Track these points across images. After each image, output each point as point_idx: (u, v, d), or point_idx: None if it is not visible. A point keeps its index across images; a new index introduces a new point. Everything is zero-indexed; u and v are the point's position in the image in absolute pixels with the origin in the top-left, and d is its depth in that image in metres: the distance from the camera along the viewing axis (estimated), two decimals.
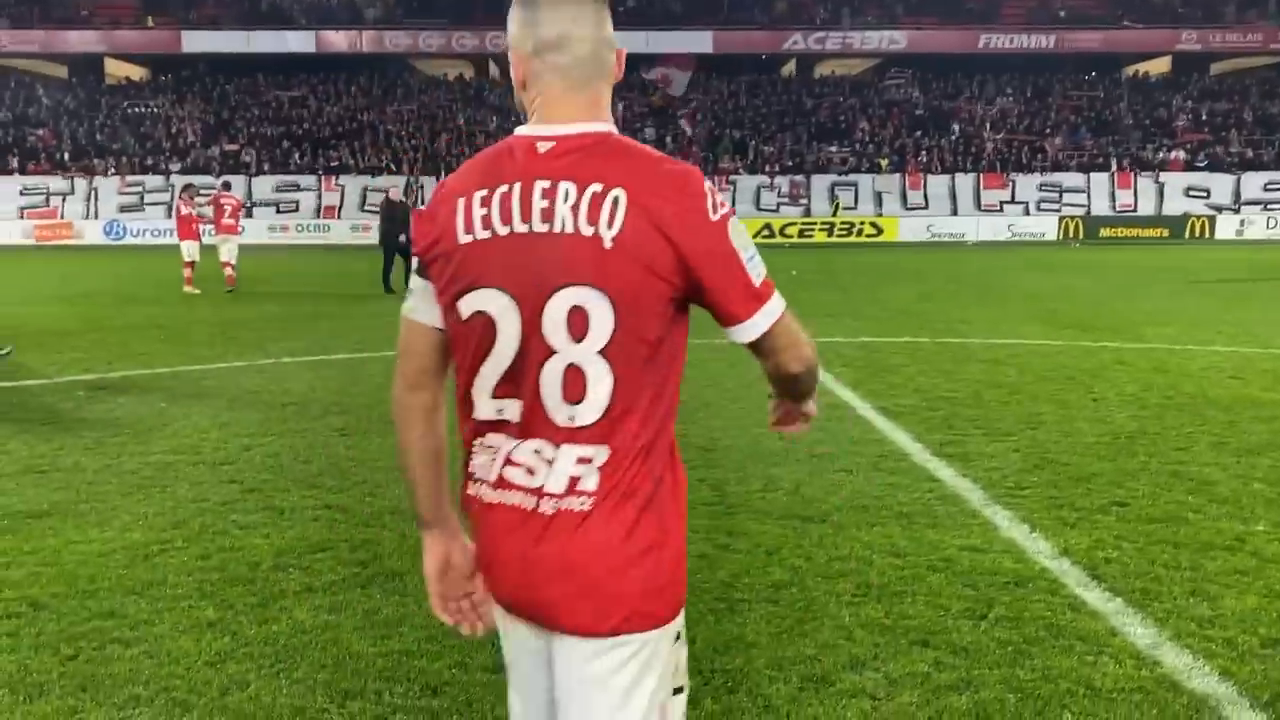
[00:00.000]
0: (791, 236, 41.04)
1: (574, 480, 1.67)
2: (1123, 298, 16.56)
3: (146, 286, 19.43)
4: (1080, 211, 42.91)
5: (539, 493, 1.69)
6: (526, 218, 1.66)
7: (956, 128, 46.78)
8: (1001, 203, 43.30)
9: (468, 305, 1.71)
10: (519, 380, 1.70)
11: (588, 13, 1.73)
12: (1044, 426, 6.98)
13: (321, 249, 36.50)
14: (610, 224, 1.62)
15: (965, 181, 43.46)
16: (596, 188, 1.63)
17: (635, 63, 47.99)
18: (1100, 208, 43.23)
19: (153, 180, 41.82)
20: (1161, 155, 44.67)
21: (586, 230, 1.63)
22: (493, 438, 1.76)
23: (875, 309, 15.07)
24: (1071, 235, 41.59)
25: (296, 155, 43.98)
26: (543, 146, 1.69)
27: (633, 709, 1.68)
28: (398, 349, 1.83)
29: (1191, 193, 43.09)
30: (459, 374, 1.78)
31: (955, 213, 43.02)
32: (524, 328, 1.68)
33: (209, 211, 19.06)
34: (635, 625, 1.67)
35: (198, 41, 47.01)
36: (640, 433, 1.68)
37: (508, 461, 1.73)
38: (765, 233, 41.08)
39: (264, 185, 42.30)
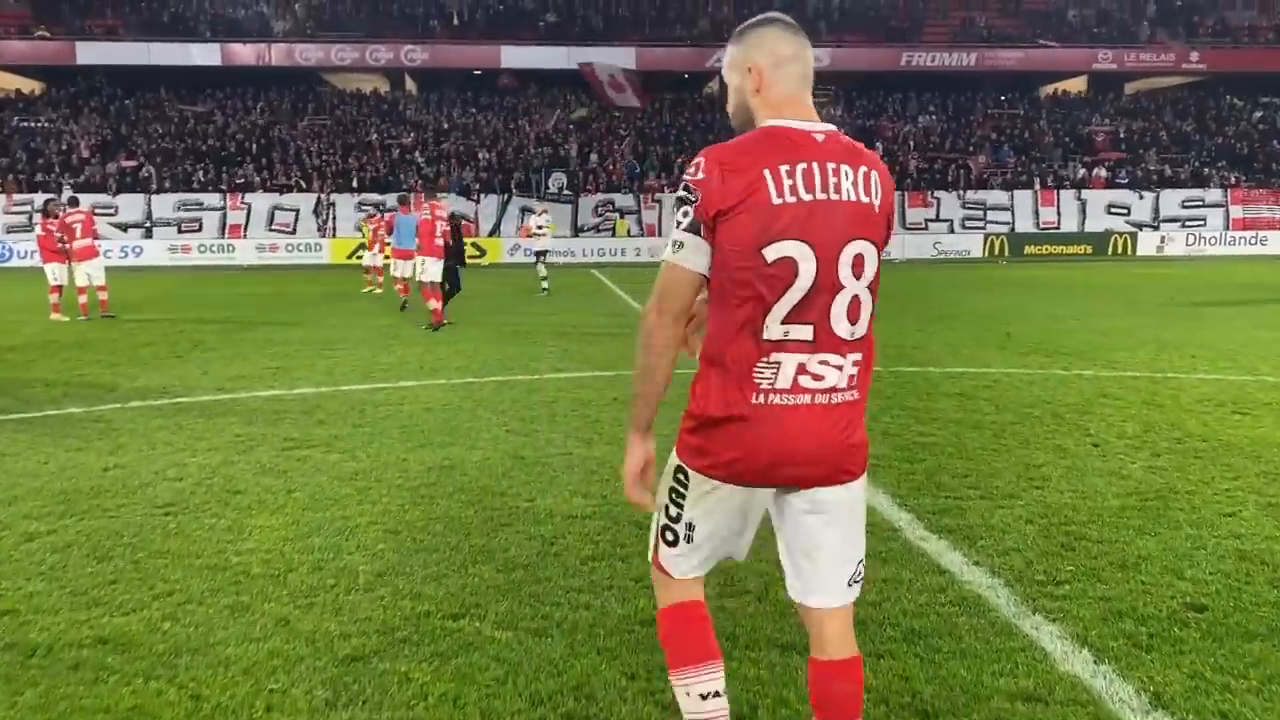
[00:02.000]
0: None
1: (851, 378, 2.36)
2: (1074, 316, 15.70)
3: (27, 313, 17.45)
4: (1005, 229, 42.76)
5: (831, 390, 2.33)
6: (825, 189, 2.29)
7: (880, 146, 46.39)
8: (926, 220, 42.96)
9: (774, 251, 2.25)
10: (813, 309, 2.29)
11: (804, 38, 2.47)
12: (1050, 484, 5.78)
13: (225, 270, 34.40)
14: (875, 195, 2.36)
15: None
16: (864, 169, 2.35)
17: (561, 77, 46.82)
18: (1024, 225, 43.14)
19: (43, 199, 39.12)
20: (1083, 173, 44.83)
21: (865, 199, 2.33)
22: (779, 355, 2.30)
23: None
24: (998, 253, 41.36)
25: (200, 172, 41.71)
26: (818, 136, 2.34)
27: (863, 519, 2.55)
28: (664, 290, 2.32)
29: (1113, 210, 43.27)
30: (745, 306, 2.28)
31: None
32: (819, 269, 2.27)
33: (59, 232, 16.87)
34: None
35: (93, 53, 44.44)
36: (872, 340, 2.44)
37: (800, 371, 2.31)
38: None
39: (165, 203, 39.98)
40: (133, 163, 42.24)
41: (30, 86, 47.84)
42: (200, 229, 39.80)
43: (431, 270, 14.98)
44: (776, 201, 2.23)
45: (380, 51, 44.96)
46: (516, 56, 45.91)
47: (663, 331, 2.33)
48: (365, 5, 48.02)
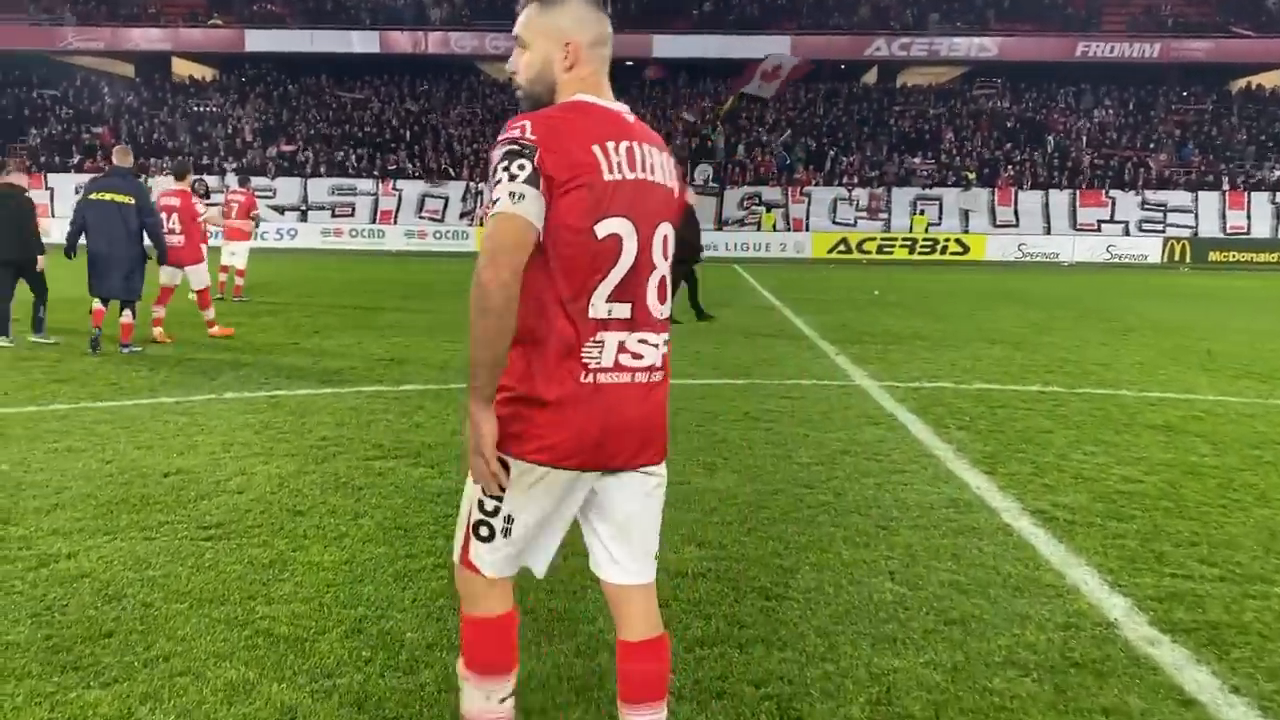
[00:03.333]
0: (869, 252, 38.31)
1: (664, 357, 2.39)
2: None
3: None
4: (1187, 233, 39.46)
5: (649, 369, 2.34)
6: (643, 169, 2.30)
7: (1051, 140, 43.55)
8: (1099, 222, 40.06)
9: (604, 228, 2.22)
10: (632, 287, 2.28)
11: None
12: None
13: (374, 255, 34.72)
14: (673, 179, 2.40)
15: (1060, 198, 40.29)
16: (665, 154, 2.41)
17: (711, 67, 45.73)
18: (1209, 229, 39.71)
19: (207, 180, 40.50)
20: (1279, 174, 40.95)
21: (669, 183, 2.38)
22: (604, 334, 2.26)
23: (981, 341, 12.42)
24: (1178, 258, 38.17)
25: (354, 158, 42.47)
26: (628, 117, 2.36)
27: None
28: (502, 243, 2.15)
29: None
30: (572, 283, 2.22)
31: (1049, 231, 39.88)
32: (639, 248, 2.27)
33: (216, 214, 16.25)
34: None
35: (261, 41, 45.83)
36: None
37: (621, 349, 2.29)
38: (841, 247, 38.42)
39: (320, 187, 40.87)
40: (291, 147, 43.35)
41: (203, 73, 49.81)
42: (353, 214, 40.48)
43: None
44: (608, 178, 2.22)
45: None
46: (668, 46, 45.05)
47: (504, 290, 2.16)
48: None
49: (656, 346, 2.35)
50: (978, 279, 26.46)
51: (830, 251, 38.27)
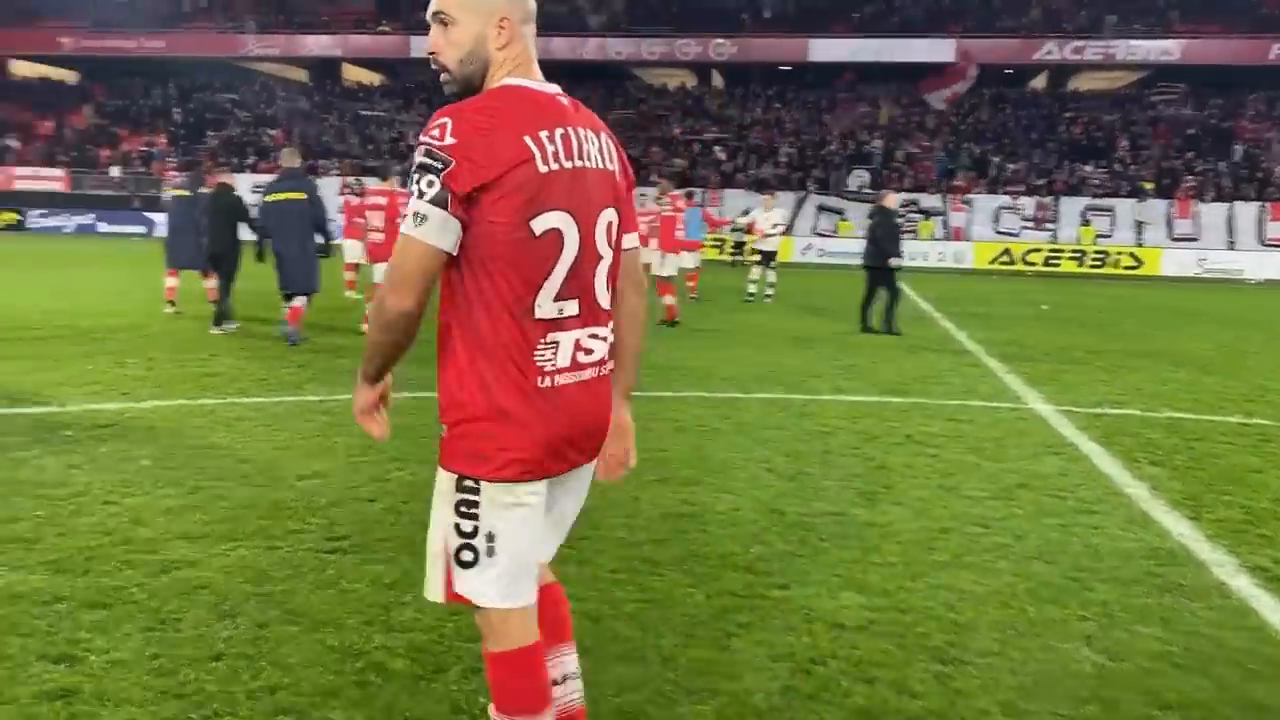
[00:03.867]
0: (1035, 264, 36.40)
1: (611, 348, 2.32)
2: None
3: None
4: None
5: (600, 363, 2.28)
6: (581, 156, 2.17)
7: (1239, 150, 40.54)
8: None
9: (541, 224, 2.10)
10: (578, 282, 2.17)
11: None
12: None
13: None
14: (615, 163, 2.29)
15: (1247, 211, 37.39)
16: (604, 137, 2.28)
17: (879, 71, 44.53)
18: None
19: (370, 182, 41.82)
20: None
21: (609, 167, 2.26)
22: (555, 334, 2.16)
23: (1166, 363, 11.33)
24: None
25: None
26: (563, 100, 2.21)
27: None
28: (404, 270, 2.06)
29: None
30: (515, 285, 2.10)
31: (1233, 246, 37.08)
32: (581, 240, 2.16)
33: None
34: None
35: (425, 46, 47.02)
36: None
37: (576, 347, 2.20)
38: (1005, 258, 36.63)
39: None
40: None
41: (371, 78, 51.62)
42: None
43: (670, 265, 14.68)
44: (543, 169, 2.09)
45: (689, 45, 44.63)
46: (825, 50, 44.07)
47: (407, 317, 2.10)
48: (677, 0, 47.88)
49: (606, 339, 2.29)
50: (1154, 294, 24.69)
51: (992, 262, 36.60)
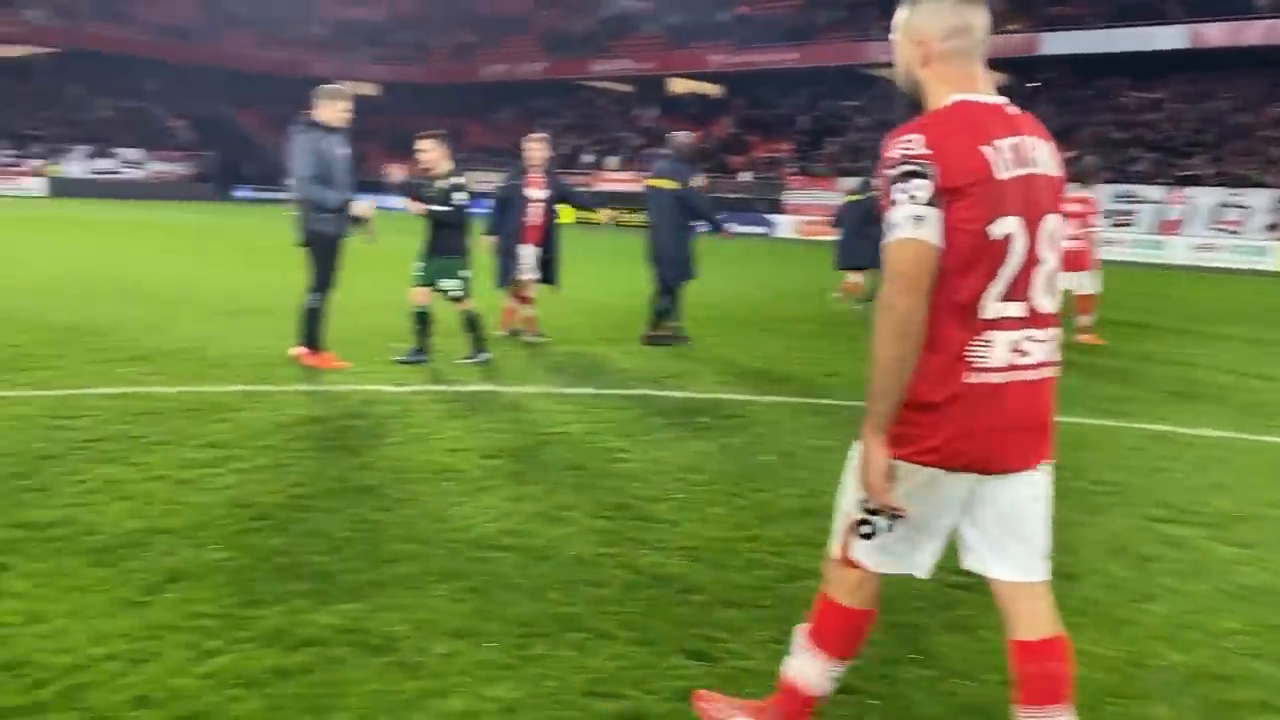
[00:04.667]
0: None
1: (1051, 353, 2.35)
2: None
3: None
4: None
5: (1038, 366, 2.31)
6: (1031, 163, 2.29)
7: None
8: None
9: (998, 228, 2.22)
10: (1022, 284, 2.26)
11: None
12: None
13: (1158, 269, 31.71)
14: (1058, 167, 2.39)
15: None
16: (1048, 143, 2.38)
17: None
18: None
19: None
20: None
21: (1054, 173, 2.37)
22: (992, 333, 2.25)
23: None
24: None
25: (1141, 163, 39.26)
26: (1010, 111, 2.34)
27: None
28: (908, 270, 2.20)
29: None
30: (965, 285, 2.23)
31: None
32: (1028, 244, 2.26)
33: None
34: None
35: (1056, 43, 44.72)
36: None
37: (1012, 348, 2.27)
38: None
39: (1101, 194, 38.54)
40: (1072, 153, 41.57)
41: (996, 77, 50.22)
42: (1133, 223, 37.51)
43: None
44: (1000, 176, 2.23)
45: None
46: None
47: (919, 313, 2.23)
48: None
49: (1045, 342, 2.34)
50: None
51: None
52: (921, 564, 2.47)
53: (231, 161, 57.83)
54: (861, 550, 2.45)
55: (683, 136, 10.58)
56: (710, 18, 55.12)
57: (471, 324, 8.40)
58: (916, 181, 2.19)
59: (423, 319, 8.27)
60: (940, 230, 2.20)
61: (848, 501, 2.47)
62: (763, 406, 7.26)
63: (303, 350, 7.90)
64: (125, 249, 19.44)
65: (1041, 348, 2.32)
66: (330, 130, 7.67)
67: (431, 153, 8.32)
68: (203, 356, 8.07)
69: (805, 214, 43.66)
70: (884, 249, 2.25)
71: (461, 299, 8.36)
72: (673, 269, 10.00)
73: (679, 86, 58.38)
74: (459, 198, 8.23)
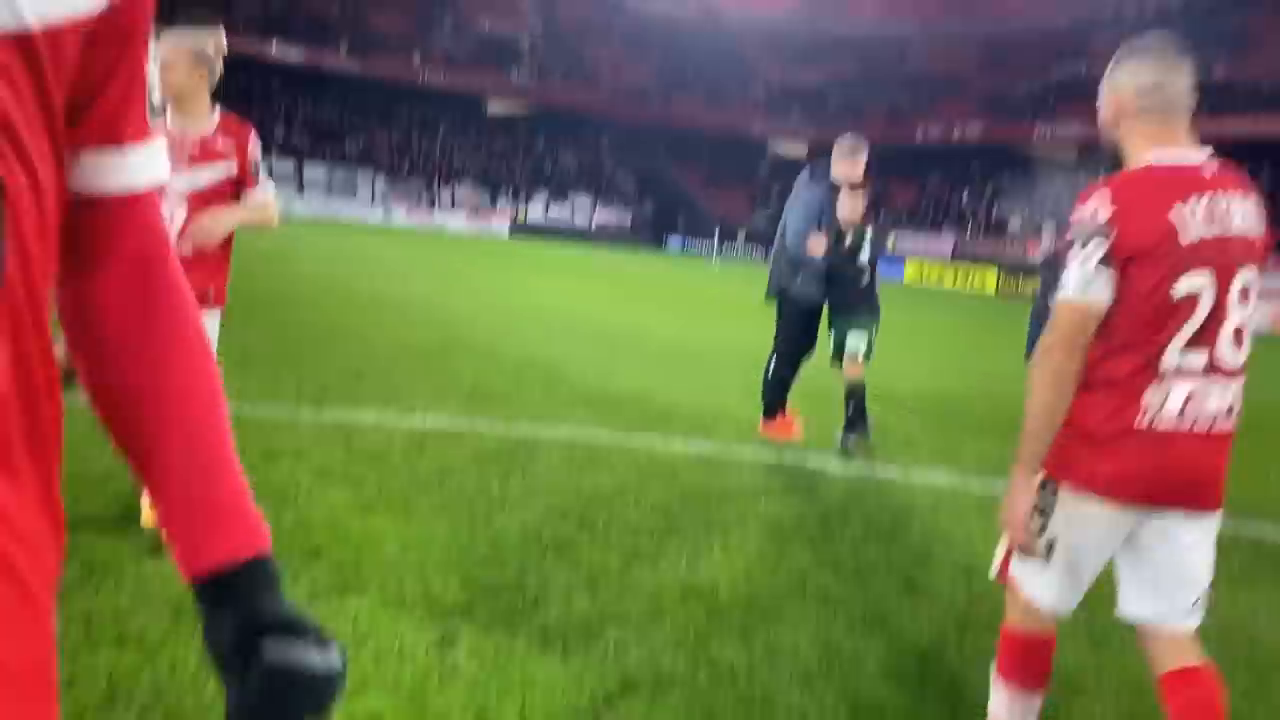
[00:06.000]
0: None
1: (1230, 408, 2.39)
2: None
3: None
4: None
5: (1213, 418, 2.36)
6: (1221, 222, 2.34)
7: None
8: None
9: (1181, 287, 2.30)
10: (1206, 337, 2.33)
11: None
12: None
13: None
14: (1258, 224, 2.42)
15: None
16: (1248, 200, 2.42)
17: None
18: None
19: None
20: None
21: (1251, 231, 2.39)
22: (1171, 383, 2.33)
23: None
24: None
25: None
26: (1206, 170, 2.40)
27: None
28: (1068, 333, 2.38)
29: None
30: (1144, 335, 2.33)
31: None
32: (1215, 299, 2.32)
33: None
34: None
35: None
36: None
37: (1189, 398, 2.33)
38: None
39: None
40: None
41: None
42: None
43: None
44: (1184, 241, 2.29)
45: None
46: None
47: (1074, 367, 2.39)
48: None
49: (1224, 396, 2.37)
50: None
51: None
52: (1058, 597, 2.55)
53: (666, 213, 61.26)
54: (1018, 571, 2.58)
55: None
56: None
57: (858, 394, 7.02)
58: (1096, 239, 2.34)
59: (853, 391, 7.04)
60: (1110, 290, 2.34)
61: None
62: None
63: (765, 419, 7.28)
64: (577, 289, 20.57)
65: (1220, 401, 2.38)
66: (838, 188, 7.03)
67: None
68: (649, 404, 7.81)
69: None
70: (1053, 305, 2.44)
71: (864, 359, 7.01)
72: None
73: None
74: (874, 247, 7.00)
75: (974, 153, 57.82)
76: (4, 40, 0.76)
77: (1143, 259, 2.29)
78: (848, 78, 68.46)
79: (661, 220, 60.82)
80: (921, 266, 48.73)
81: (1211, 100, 47.93)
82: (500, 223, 54.74)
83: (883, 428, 7.46)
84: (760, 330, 8.35)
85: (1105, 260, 2.31)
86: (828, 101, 66.97)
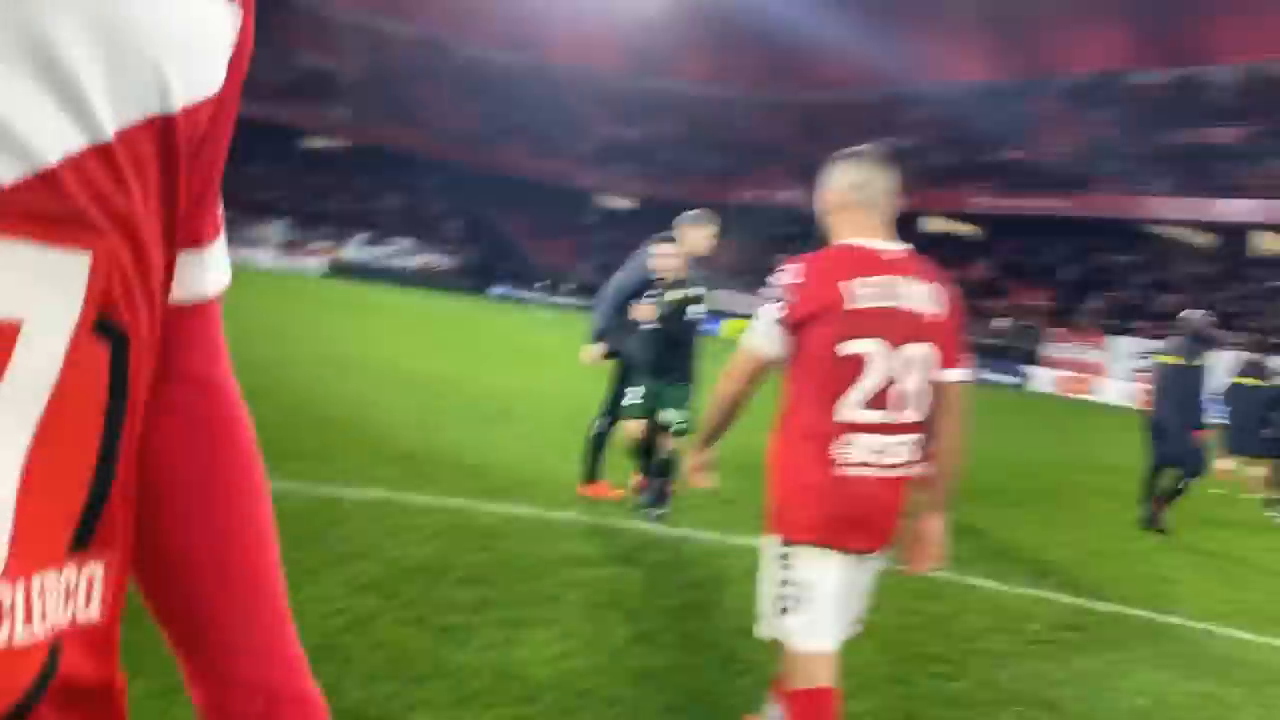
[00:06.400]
0: None
1: (912, 456, 2.78)
2: None
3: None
4: None
5: (893, 466, 2.74)
6: (891, 298, 2.74)
7: None
8: None
9: (846, 348, 2.69)
10: (879, 396, 2.69)
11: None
12: None
13: None
14: (936, 305, 2.83)
15: None
16: (927, 285, 2.84)
17: None
18: None
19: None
20: None
21: (925, 309, 2.79)
22: (853, 435, 2.69)
23: None
24: None
25: None
26: (892, 255, 2.83)
27: None
28: (736, 365, 2.88)
29: None
30: (824, 392, 2.72)
31: None
32: (884, 364, 2.70)
33: None
34: None
35: None
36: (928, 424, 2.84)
37: (869, 449, 2.69)
38: None
39: None
40: None
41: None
42: None
43: None
44: (848, 308, 2.67)
45: None
46: None
47: (736, 389, 2.91)
48: None
49: (902, 446, 2.75)
50: None
51: None
52: (828, 634, 2.77)
53: (491, 259, 60.70)
54: (780, 626, 2.79)
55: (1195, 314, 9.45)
56: (973, 158, 53.60)
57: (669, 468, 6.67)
58: (777, 305, 2.75)
59: (647, 454, 6.80)
60: (779, 346, 2.78)
61: (767, 594, 2.83)
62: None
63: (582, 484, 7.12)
64: (394, 335, 19.90)
65: (899, 451, 2.74)
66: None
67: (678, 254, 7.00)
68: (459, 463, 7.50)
69: (1065, 369, 40.91)
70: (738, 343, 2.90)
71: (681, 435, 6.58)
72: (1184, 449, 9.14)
73: (933, 225, 56.79)
74: (696, 311, 6.86)
75: (787, 217, 60.15)
76: (146, 126, 0.61)
77: (814, 321, 2.69)
78: (673, 137, 70.14)
79: (486, 266, 60.20)
80: (736, 325, 50.12)
81: (1005, 179, 51.82)
82: (317, 261, 52.92)
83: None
84: (582, 380, 8.20)
85: (780, 321, 2.73)
86: (654, 157, 68.34)
